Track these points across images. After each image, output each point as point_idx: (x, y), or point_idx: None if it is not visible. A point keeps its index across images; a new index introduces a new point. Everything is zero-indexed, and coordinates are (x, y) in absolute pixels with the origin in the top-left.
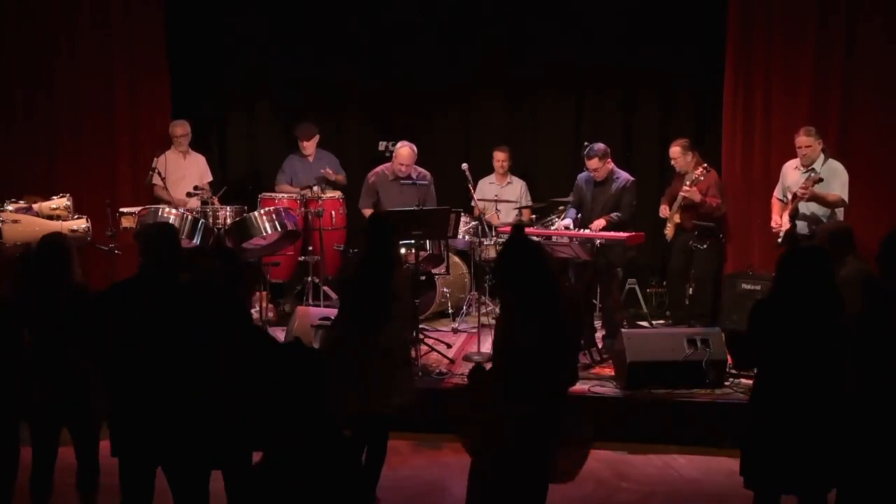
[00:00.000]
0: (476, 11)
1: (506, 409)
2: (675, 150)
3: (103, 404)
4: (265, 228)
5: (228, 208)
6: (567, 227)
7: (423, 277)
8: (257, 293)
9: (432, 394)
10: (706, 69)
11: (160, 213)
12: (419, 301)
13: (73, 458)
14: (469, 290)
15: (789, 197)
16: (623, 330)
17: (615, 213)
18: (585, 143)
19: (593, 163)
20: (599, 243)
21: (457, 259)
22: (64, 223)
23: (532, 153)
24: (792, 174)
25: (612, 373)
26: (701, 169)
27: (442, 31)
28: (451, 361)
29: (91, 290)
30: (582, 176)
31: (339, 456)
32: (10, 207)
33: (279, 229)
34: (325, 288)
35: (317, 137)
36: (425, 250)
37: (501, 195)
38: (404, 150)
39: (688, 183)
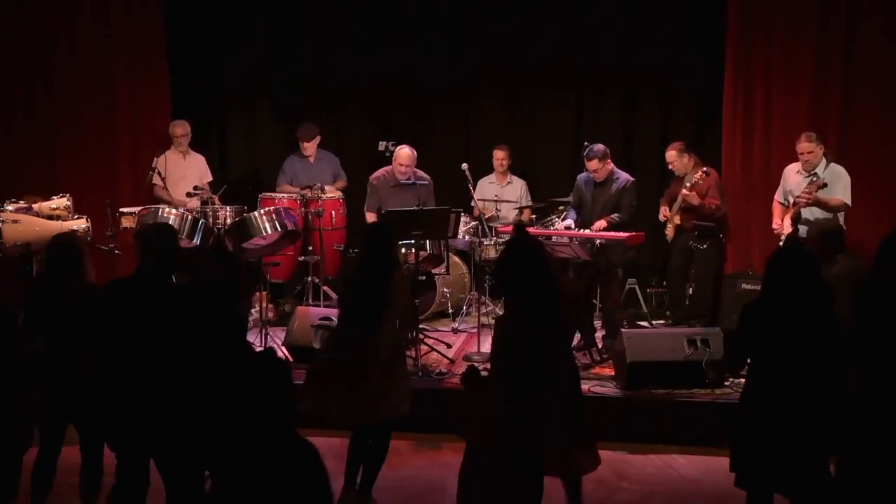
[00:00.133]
0: (476, 11)
1: (506, 408)
2: (671, 154)
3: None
4: (265, 228)
5: (228, 208)
6: (568, 228)
7: (423, 277)
8: (257, 293)
9: (432, 394)
10: (706, 69)
11: (160, 213)
12: (419, 301)
13: (76, 458)
14: (469, 290)
15: (790, 200)
16: (623, 330)
17: (616, 215)
18: (585, 144)
19: (593, 164)
20: (599, 243)
21: (457, 259)
22: (64, 223)
23: (532, 153)
24: (794, 178)
25: (612, 373)
26: (701, 172)
27: (442, 30)
28: (451, 361)
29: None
30: (581, 176)
31: (302, 466)
32: (10, 207)
33: (279, 229)
34: (325, 288)
35: (318, 138)
36: (425, 250)
37: (501, 195)
38: (404, 152)
39: (687, 185)
